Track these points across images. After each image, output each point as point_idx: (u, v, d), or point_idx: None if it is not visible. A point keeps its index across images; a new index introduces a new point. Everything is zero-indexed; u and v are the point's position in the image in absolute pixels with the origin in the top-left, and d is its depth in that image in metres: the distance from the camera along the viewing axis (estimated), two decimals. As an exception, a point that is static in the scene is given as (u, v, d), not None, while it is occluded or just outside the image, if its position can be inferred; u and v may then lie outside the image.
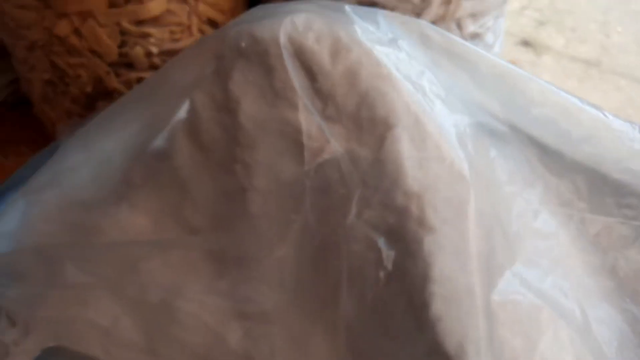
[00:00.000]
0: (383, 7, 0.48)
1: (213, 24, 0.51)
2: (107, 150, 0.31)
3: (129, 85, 0.50)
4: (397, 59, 0.28)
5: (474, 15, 0.50)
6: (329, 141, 0.28)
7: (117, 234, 0.32)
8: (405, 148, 0.27)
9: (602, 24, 0.98)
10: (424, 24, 0.31)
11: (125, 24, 0.46)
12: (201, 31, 0.50)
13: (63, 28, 0.46)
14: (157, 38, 0.48)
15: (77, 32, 0.47)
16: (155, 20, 0.47)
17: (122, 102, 0.33)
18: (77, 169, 0.31)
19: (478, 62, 0.30)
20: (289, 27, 0.27)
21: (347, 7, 0.29)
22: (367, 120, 0.28)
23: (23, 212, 0.31)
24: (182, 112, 0.31)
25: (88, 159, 0.31)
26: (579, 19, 0.99)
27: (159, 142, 0.31)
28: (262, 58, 0.28)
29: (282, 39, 0.27)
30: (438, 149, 0.27)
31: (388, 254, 0.27)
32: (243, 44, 0.27)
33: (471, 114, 0.29)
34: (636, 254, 0.30)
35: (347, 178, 0.28)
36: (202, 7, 0.49)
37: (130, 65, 0.49)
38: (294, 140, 0.29)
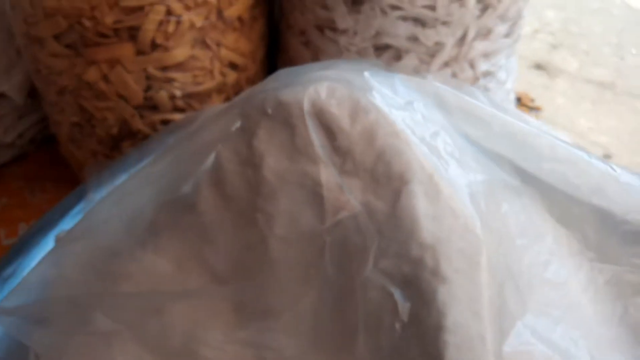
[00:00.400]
0: (397, 50, 0.50)
1: (234, 66, 0.53)
2: (139, 204, 0.33)
3: (152, 126, 0.52)
4: (412, 121, 0.29)
5: (486, 55, 0.52)
6: (347, 196, 0.29)
7: (142, 278, 0.33)
8: (420, 202, 0.28)
9: (616, 47, 0.98)
10: (438, 85, 0.32)
11: (151, 70, 0.49)
12: (222, 74, 0.52)
13: (92, 74, 0.49)
14: (181, 82, 0.50)
15: (105, 78, 0.49)
16: (179, 66, 0.49)
17: (155, 159, 0.35)
18: (110, 222, 0.33)
19: (490, 120, 0.31)
20: (312, 95, 0.29)
21: (366, 73, 0.31)
22: (384, 175, 0.29)
23: (57, 263, 0.33)
24: (208, 164, 0.32)
25: (121, 212, 0.33)
26: (592, 42, 0.99)
27: (184, 190, 0.33)
28: (285, 118, 0.30)
29: (306, 106, 0.29)
30: (451, 206, 0.28)
31: (404, 306, 0.28)
32: (269, 110, 0.29)
33: (484, 171, 0.30)
34: (645, 301, 0.31)
35: (364, 230, 0.29)
36: (224, 52, 0.51)
37: (154, 107, 0.52)
38: (313, 192, 0.30)
